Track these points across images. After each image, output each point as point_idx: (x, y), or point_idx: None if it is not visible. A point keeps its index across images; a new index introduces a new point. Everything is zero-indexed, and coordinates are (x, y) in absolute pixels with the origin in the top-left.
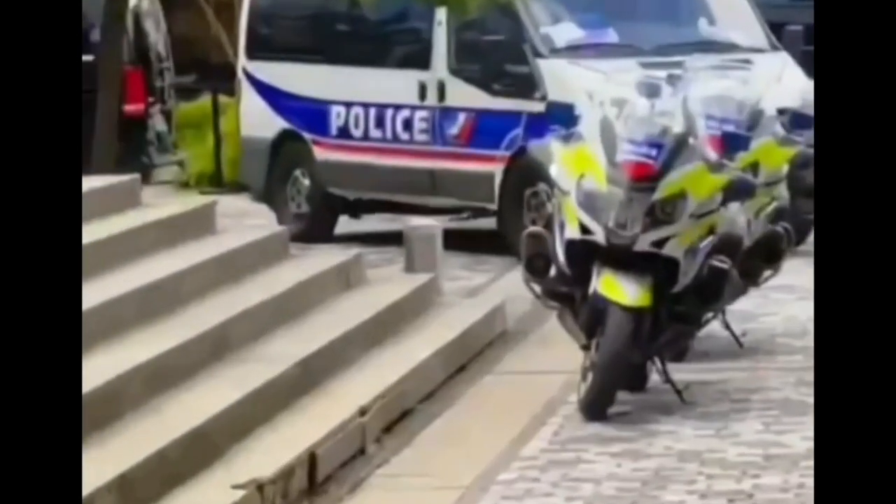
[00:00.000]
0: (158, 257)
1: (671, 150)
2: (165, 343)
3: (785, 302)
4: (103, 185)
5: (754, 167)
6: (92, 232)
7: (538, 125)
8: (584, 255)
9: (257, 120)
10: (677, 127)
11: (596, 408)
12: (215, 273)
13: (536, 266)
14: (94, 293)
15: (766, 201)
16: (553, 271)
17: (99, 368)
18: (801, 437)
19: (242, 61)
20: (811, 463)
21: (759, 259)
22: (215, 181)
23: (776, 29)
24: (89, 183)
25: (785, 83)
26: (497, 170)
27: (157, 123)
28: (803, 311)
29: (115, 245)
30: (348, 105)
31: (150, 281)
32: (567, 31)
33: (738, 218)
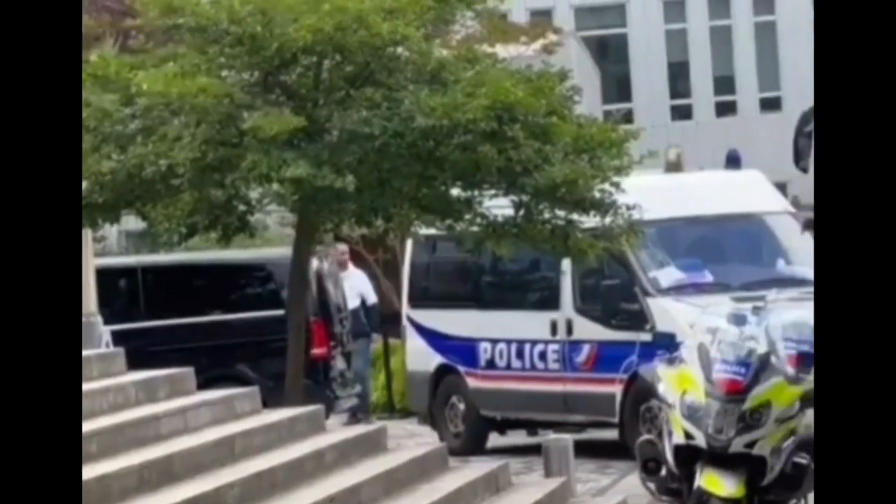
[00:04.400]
0: (338, 473)
1: (757, 367)
2: None
3: None
4: (293, 415)
5: None
6: (285, 454)
7: (648, 352)
8: (689, 456)
9: (420, 357)
10: (761, 349)
11: None
12: (387, 484)
13: (651, 467)
14: None
15: None
16: (664, 471)
17: None
18: None
19: (406, 309)
20: None
21: None
22: (388, 409)
23: None
24: (281, 414)
25: None
26: (617, 390)
27: (339, 363)
28: None
29: (303, 464)
30: (494, 342)
31: (331, 493)
32: (670, 275)
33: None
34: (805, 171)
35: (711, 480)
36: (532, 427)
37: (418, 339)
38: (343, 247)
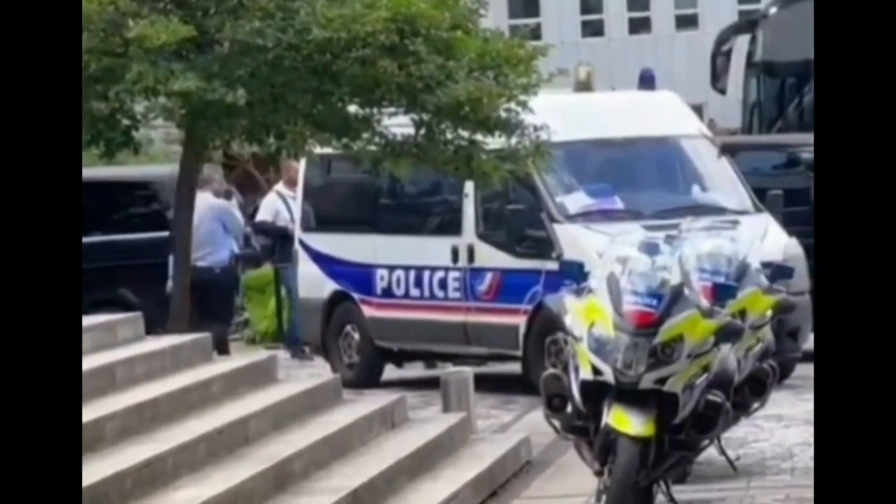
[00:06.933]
0: (226, 404)
1: (669, 299)
2: (233, 479)
3: (773, 429)
4: (178, 343)
5: (742, 313)
6: (169, 383)
7: (555, 281)
8: (596, 393)
9: (313, 283)
10: (674, 280)
11: None
12: (276, 416)
13: (555, 404)
14: (171, 436)
15: (753, 342)
16: (570, 408)
17: (176, 503)
18: None
19: (299, 233)
20: None
21: (748, 393)
22: (277, 338)
23: (760, 194)
24: (167, 341)
25: (768, 240)
26: (521, 321)
27: None
28: (789, 437)
29: (189, 395)
30: (391, 268)
31: (218, 425)
32: (579, 200)
33: (730, 357)
34: (723, 92)
35: (619, 418)
36: (430, 359)
37: (311, 264)
38: (295, 163)
